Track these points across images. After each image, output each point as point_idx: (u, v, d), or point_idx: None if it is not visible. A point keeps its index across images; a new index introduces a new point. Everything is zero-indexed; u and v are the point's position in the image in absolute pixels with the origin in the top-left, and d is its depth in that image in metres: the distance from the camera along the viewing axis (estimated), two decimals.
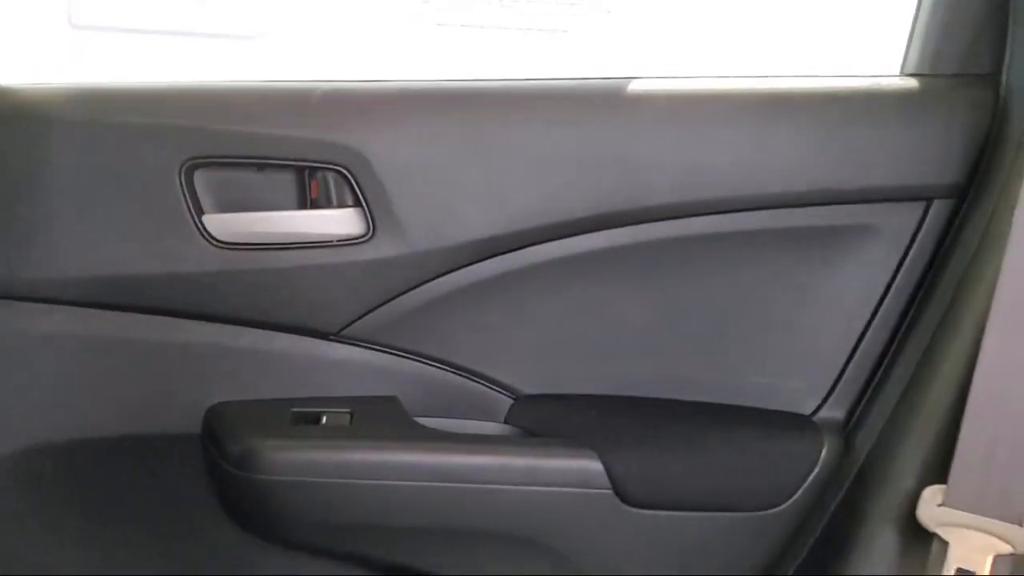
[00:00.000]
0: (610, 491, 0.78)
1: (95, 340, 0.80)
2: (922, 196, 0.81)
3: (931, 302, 0.80)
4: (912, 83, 0.84)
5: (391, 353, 0.83)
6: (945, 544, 0.71)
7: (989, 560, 0.70)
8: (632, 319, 0.82)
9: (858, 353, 0.83)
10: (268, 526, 0.82)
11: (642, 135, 0.79)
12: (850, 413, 0.84)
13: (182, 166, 0.77)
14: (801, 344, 0.83)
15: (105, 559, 0.85)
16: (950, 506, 0.71)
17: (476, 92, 0.83)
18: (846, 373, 0.84)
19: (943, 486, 0.71)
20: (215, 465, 0.79)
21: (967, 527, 0.71)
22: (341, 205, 0.79)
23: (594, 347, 0.84)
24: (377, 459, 0.78)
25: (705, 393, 0.85)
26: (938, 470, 0.72)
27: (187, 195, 0.77)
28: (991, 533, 0.70)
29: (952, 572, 0.71)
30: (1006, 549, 0.70)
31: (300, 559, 0.85)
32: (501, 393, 0.85)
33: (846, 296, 0.82)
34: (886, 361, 0.83)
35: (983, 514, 0.69)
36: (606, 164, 0.78)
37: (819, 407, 0.85)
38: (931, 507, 0.72)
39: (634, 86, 0.81)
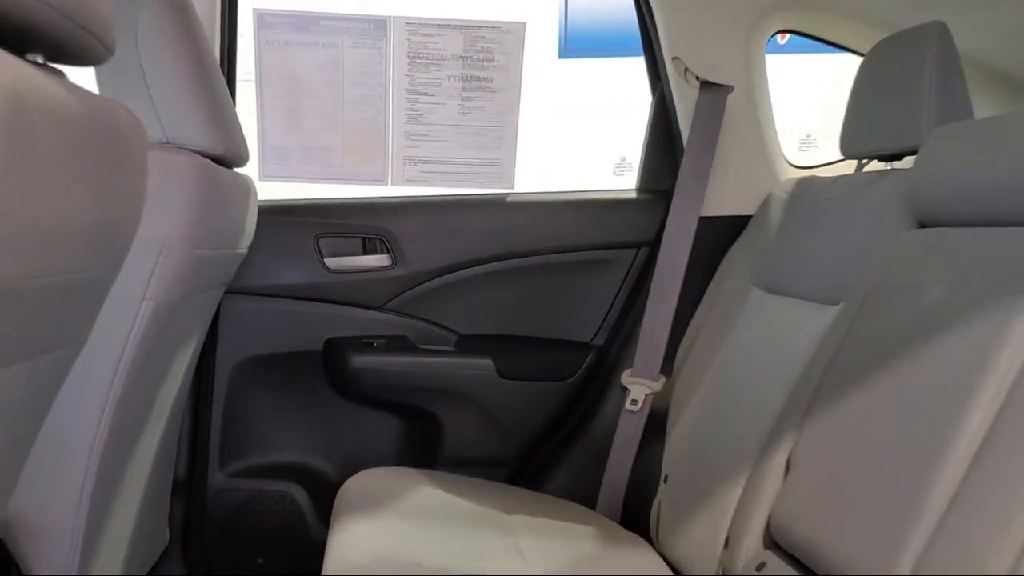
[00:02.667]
0: (495, 372, 1.83)
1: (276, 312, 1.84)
2: (633, 245, 1.85)
3: (639, 296, 1.84)
4: (632, 193, 1.89)
5: (403, 315, 1.87)
6: (627, 391, 1.77)
7: (643, 397, 1.75)
8: (500, 301, 1.87)
9: (607, 318, 1.88)
10: (355, 392, 1.86)
11: (506, 222, 1.84)
12: (603, 341, 1.90)
13: (316, 238, 1.82)
14: (579, 314, 1.89)
15: (284, 413, 1.89)
16: (631, 375, 1.76)
17: (442, 201, 1.87)
18: (600, 328, 1.89)
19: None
20: (329, 364, 1.83)
21: (634, 382, 1.76)
22: (381, 252, 1.84)
23: (487, 314, 1.88)
24: (402, 359, 1.82)
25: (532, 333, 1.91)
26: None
27: (318, 250, 1.82)
28: (643, 383, 1.75)
29: (628, 406, 1.75)
30: (650, 389, 1.75)
31: (367, 409, 1.90)
32: (452, 333, 1.90)
33: (597, 296, 1.88)
34: (618, 319, 1.88)
35: (638, 375, 1.74)
36: (491, 233, 1.83)
37: (591, 339, 1.90)
38: (626, 376, 1.77)
39: (510, 199, 1.87)
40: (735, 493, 1.25)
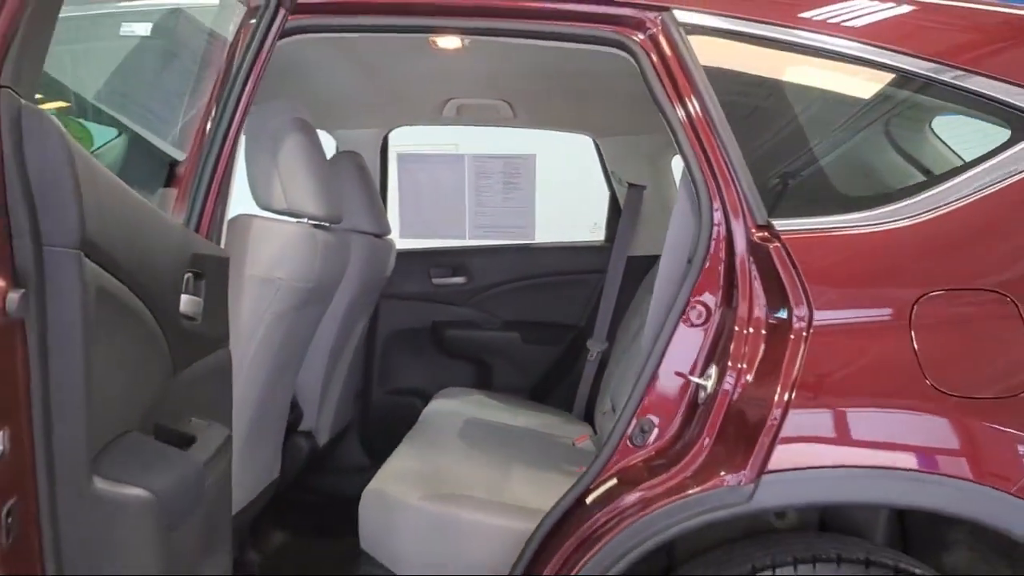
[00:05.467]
0: (520, 340, 3.38)
1: None
2: (599, 271, 3.37)
3: (599, 298, 3.35)
4: (600, 242, 3.42)
5: (473, 308, 3.44)
6: (588, 350, 3.27)
7: (596, 353, 3.25)
8: (523, 301, 3.42)
9: (583, 311, 3.41)
10: (447, 350, 3.45)
11: (529, 258, 3.41)
12: (581, 324, 3.41)
13: (428, 267, 3.44)
14: (567, 308, 3.42)
15: (409, 360, 3.52)
16: (591, 341, 3.26)
17: (494, 247, 3.45)
18: (580, 317, 3.42)
19: None
20: (434, 334, 3.44)
21: (593, 345, 3.26)
22: (460, 275, 3.44)
23: (516, 308, 3.43)
24: (472, 332, 3.40)
25: None
26: None
27: (428, 273, 3.45)
28: (597, 346, 3.25)
29: (589, 358, 3.25)
30: (600, 348, 3.24)
31: (453, 359, 3.49)
32: (498, 318, 3.45)
33: (578, 299, 3.41)
34: (590, 312, 3.40)
35: (595, 341, 3.25)
36: (519, 264, 3.40)
37: (575, 322, 3.42)
38: (590, 342, 3.27)
39: (531, 245, 3.43)
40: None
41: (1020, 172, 1.49)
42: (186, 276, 1.18)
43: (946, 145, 1.73)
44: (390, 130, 3.31)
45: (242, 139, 1.66)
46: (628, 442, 1.61)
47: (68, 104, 2.54)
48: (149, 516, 0.95)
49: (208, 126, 1.45)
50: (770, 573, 1.47)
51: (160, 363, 1.10)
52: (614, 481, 1.59)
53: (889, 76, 1.61)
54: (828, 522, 1.74)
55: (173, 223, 1.21)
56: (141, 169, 1.59)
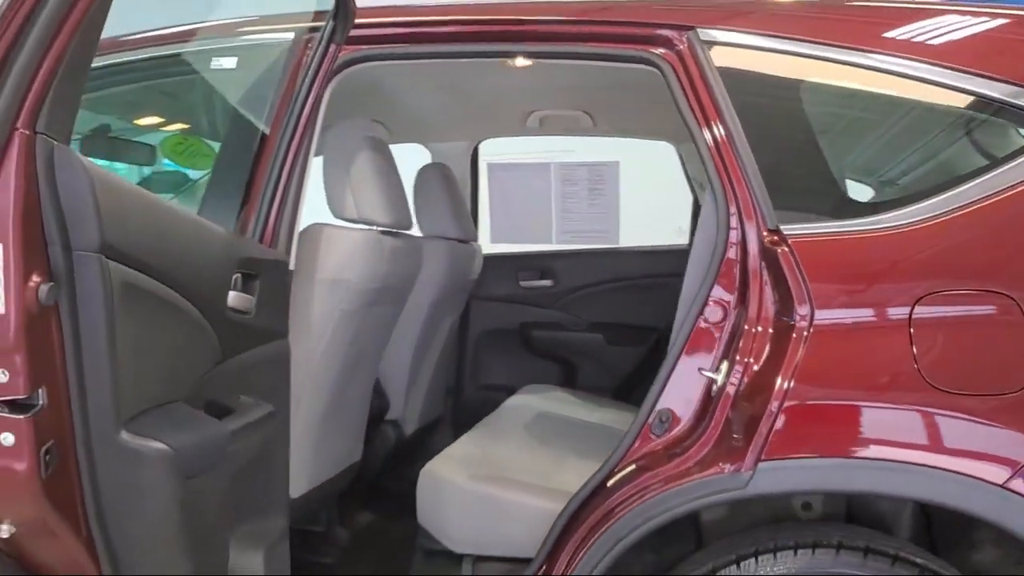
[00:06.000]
0: (604, 341, 3.51)
1: None
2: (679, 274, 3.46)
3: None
4: (684, 246, 3.52)
5: (559, 310, 3.59)
6: None
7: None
8: (608, 303, 3.55)
9: (666, 315, 3.52)
10: (534, 349, 3.62)
11: (612, 261, 3.54)
12: (663, 326, 3.52)
13: (516, 270, 3.63)
14: (650, 311, 3.53)
15: (499, 358, 3.71)
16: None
17: (579, 251, 3.60)
18: (661, 320, 3.52)
19: None
20: (522, 335, 3.62)
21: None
22: (547, 278, 3.61)
23: (600, 310, 3.56)
24: (558, 333, 3.56)
25: None
26: None
27: (516, 277, 3.64)
28: None
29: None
30: None
31: (538, 359, 3.66)
32: (583, 320, 3.58)
33: (661, 302, 3.51)
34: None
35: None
36: (604, 267, 3.53)
37: (656, 325, 3.53)
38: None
39: (614, 248, 3.56)
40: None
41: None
42: (234, 277, 1.41)
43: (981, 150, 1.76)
44: (479, 142, 3.52)
45: (313, 158, 1.90)
46: (649, 431, 1.74)
47: (188, 126, 2.90)
48: (165, 465, 1.19)
49: (273, 148, 1.69)
50: (771, 556, 1.56)
51: (207, 349, 1.33)
52: (633, 467, 1.72)
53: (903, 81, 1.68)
54: (855, 516, 1.80)
55: (216, 230, 1.45)
56: (232, 184, 1.83)
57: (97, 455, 1.12)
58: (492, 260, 3.56)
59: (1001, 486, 1.42)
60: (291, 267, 1.83)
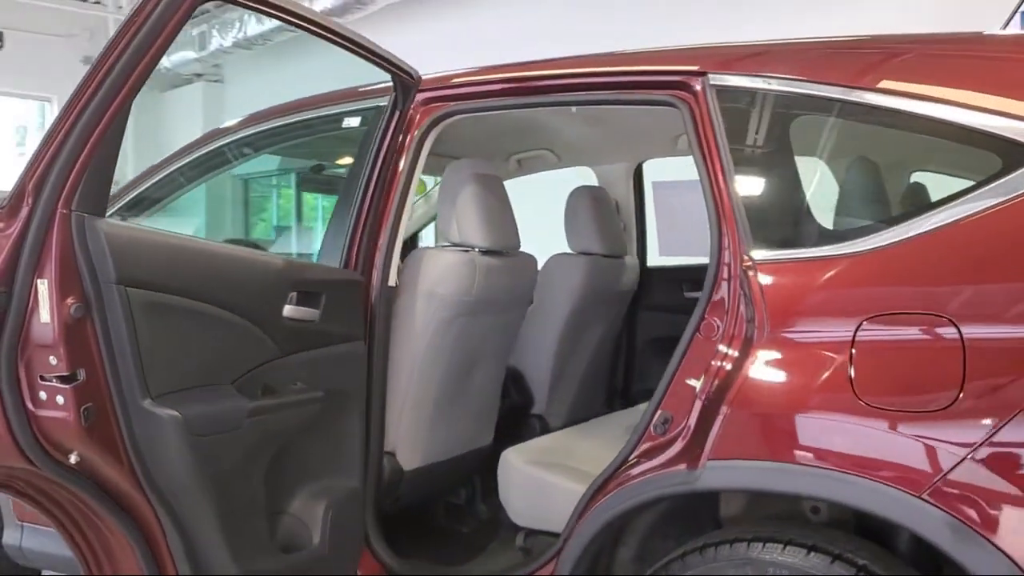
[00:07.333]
0: None
1: None
2: None
3: None
4: None
5: None
6: None
7: None
8: None
9: None
10: None
11: None
12: None
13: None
14: None
15: None
16: None
17: None
18: None
19: None
20: None
21: None
22: None
23: None
24: None
25: None
26: None
27: None
28: None
29: None
30: None
31: None
32: None
33: None
34: None
35: None
36: None
37: None
38: None
39: None
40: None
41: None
42: (291, 295, 1.93)
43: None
44: (639, 163, 3.79)
45: (413, 200, 2.38)
46: (652, 430, 1.99)
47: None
48: (175, 425, 1.69)
49: (352, 198, 2.21)
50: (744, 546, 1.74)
51: (257, 347, 1.85)
52: (635, 460, 1.98)
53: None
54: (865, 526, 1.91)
55: (270, 259, 1.98)
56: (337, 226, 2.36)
57: (130, 416, 1.68)
58: (657, 272, 3.82)
59: (919, 496, 1.52)
60: (394, 284, 2.33)
